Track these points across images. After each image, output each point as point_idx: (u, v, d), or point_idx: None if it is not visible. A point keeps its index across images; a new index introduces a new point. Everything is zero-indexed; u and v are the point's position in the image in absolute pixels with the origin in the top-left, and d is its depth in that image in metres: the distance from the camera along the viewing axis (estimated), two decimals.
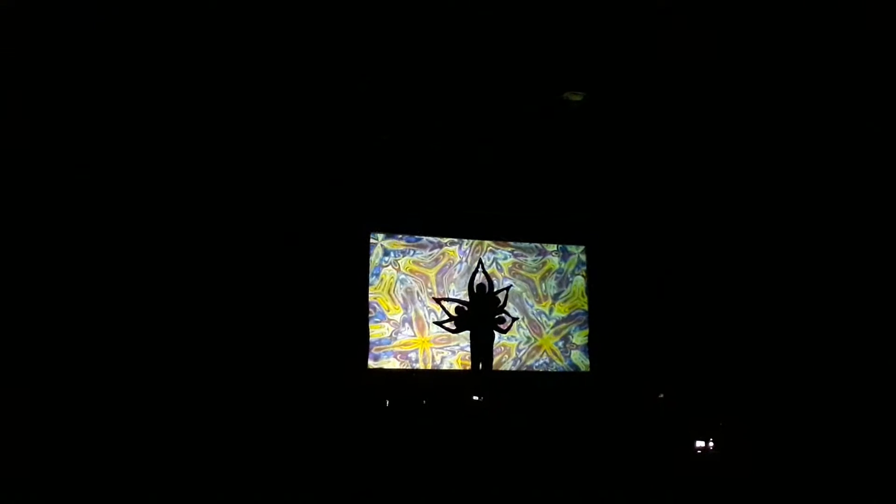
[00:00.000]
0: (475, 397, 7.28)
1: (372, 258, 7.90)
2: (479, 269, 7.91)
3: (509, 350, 8.21)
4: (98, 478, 5.41)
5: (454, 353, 8.00)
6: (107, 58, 5.66)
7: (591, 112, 6.82)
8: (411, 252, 8.07)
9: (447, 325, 7.81)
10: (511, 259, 8.41)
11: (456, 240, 8.23)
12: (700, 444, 6.44)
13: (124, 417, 6.19)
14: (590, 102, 6.61)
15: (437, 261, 8.15)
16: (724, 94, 6.47)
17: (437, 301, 7.79)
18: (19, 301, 6.29)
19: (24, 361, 6.13)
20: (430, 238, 8.16)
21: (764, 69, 6.04)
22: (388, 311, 7.89)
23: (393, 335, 7.86)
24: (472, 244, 8.27)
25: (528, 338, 8.32)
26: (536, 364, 8.30)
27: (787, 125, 6.84)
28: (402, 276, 7.99)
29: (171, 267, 6.95)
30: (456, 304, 7.81)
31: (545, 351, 8.38)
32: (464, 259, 8.24)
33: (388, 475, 5.61)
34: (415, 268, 8.05)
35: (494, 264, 8.28)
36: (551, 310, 8.46)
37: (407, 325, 7.93)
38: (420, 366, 7.89)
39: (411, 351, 7.92)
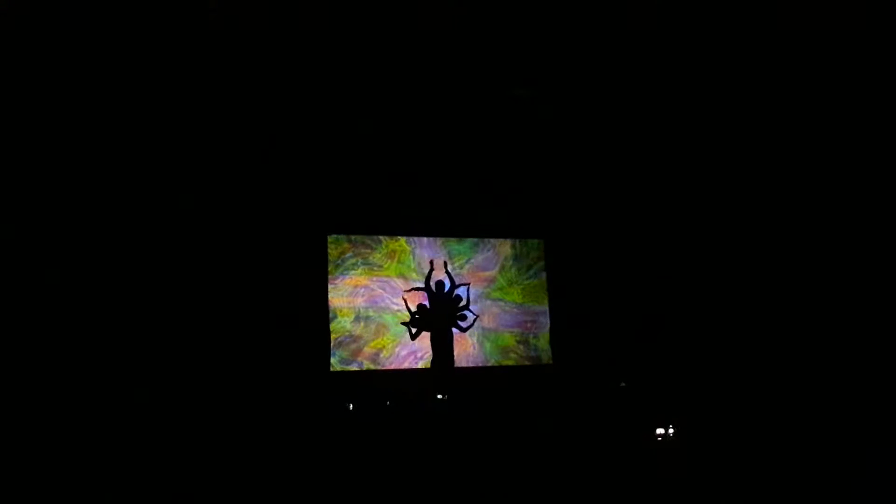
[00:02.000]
0: (439, 396, 7.28)
1: (331, 261, 7.83)
2: (443, 268, 7.90)
3: (471, 345, 8.22)
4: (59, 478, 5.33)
5: (418, 354, 7.99)
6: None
7: (544, 106, 6.85)
8: (367, 256, 8.01)
9: (412, 325, 7.77)
10: (468, 265, 8.41)
11: (409, 238, 8.23)
12: (660, 431, 6.55)
13: (75, 422, 6.07)
14: (543, 97, 6.63)
15: (390, 256, 8.10)
16: (683, 86, 6.54)
17: (404, 296, 7.79)
18: None
19: None
20: (383, 237, 8.12)
21: (721, 60, 6.11)
22: (346, 314, 7.82)
23: (353, 336, 7.81)
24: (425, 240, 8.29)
25: (490, 332, 8.34)
26: (499, 357, 8.33)
27: (749, 118, 6.94)
28: (364, 279, 7.93)
29: (131, 272, 6.87)
30: (419, 302, 7.77)
31: (507, 344, 8.41)
32: (415, 248, 8.20)
33: (354, 478, 5.58)
34: (374, 272, 7.99)
35: (452, 266, 8.31)
36: (513, 302, 8.51)
37: (369, 326, 7.89)
38: (382, 367, 7.86)
39: (373, 352, 7.89)
